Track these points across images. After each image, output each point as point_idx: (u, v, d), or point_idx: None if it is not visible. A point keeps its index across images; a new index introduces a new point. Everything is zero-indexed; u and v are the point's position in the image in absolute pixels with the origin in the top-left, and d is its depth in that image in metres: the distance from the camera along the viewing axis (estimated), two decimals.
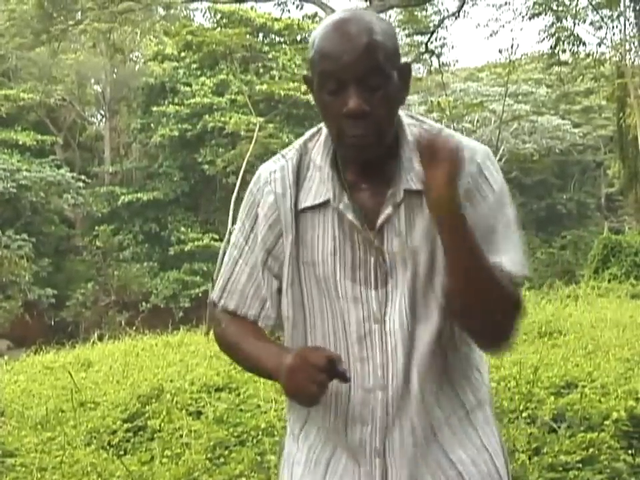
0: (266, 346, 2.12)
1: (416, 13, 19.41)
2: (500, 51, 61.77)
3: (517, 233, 2.06)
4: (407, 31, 20.82)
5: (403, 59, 2.02)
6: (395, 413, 2.05)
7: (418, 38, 20.24)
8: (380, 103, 1.97)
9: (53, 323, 32.16)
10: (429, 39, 19.56)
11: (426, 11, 19.81)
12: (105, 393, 8.53)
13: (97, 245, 34.56)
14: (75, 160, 38.29)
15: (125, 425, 6.81)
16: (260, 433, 6.12)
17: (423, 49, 20.07)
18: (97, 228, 34.96)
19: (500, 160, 19.47)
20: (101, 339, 16.70)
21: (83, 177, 35.31)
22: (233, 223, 17.96)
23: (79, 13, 20.21)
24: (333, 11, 15.73)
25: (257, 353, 2.11)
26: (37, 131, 36.45)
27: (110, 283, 33.08)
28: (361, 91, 1.96)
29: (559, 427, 5.59)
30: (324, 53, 1.99)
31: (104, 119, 41.03)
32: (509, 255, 2.01)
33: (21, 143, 35.06)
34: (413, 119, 2.11)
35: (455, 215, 1.90)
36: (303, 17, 36.50)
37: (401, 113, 2.09)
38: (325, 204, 2.07)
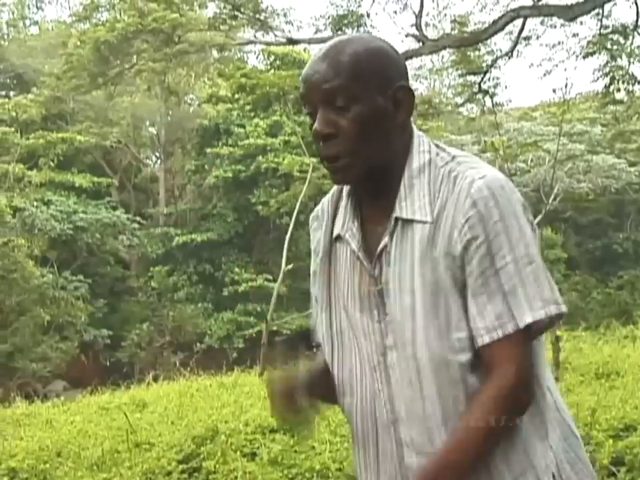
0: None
1: (469, 53, 19.40)
2: (554, 91, 61.16)
3: (530, 268, 1.88)
4: (459, 71, 20.83)
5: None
6: (409, 448, 2.01)
7: (471, 78, 20.22)
8: (350, 124, 1.96)
9: (108, 363, 32.32)
10: (482, 78, 19.54)
11: (479, 51, 19.79)
12: (160, 434, 8.55)
13: (151, 285, 34.77)
14: (130, 201, 38.66)
15: (180, 466, 6.82)
16: (314, 474, 6.09)
17: (476, 88, 20.03)
18: (151, 269, 35.18)
19: (555, 199, 19.33)
20: (155, 379, 16.78)
21: (138, 219, 35.60)
22: (287, 263, 18.01)
23: (135, 57, 20.52)
24: None
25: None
26: (93, 173, 36.87)
27: (165, 323, 33.22)
28: (327, 112, 1.97)
29: (618, 471, 5.49)
30: (301, 78, 2.03)
31: (159, 161, 41.43)
32: (528, 302, 1.86)
33: (77, 184, 35.44)
34: (436, 147, 2.04)
35: None
36: None
37: (421, 141, 2.04)
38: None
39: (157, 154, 41.61)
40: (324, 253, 2.13)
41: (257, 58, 41.76)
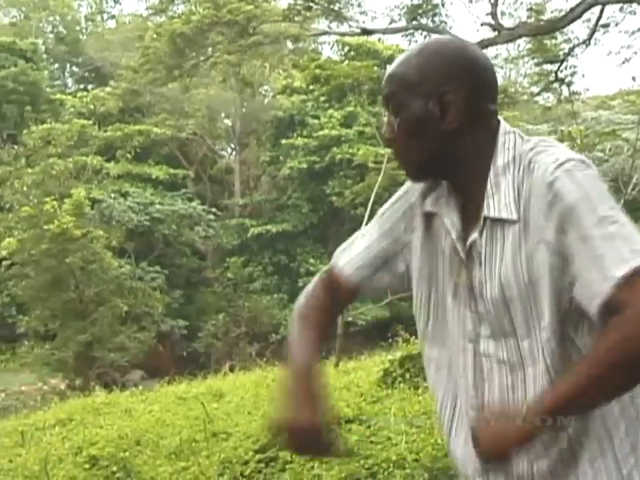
0: (307, 339, 2.29)
1: (545, 42, 19.11)
2: (633, 79, 60.37)
3: (615, 225, 1.86)
4: (536, 60, 20.56)
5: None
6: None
7: (547, 67, 19.93)
8: (398, 130, 2.08)
9: (185, 353, 32.65)
10: (559, 67, 19.25)
11: (555, 39, 19.49)
12: (237, 424, 8.61)
13: (227, 276, 35.02)
14: (206, 193, 38.97)
15: (257, 456, 6.84)
16: (391, 465, 6.07)
17: (552, 77, 19.76)
18: (227, 260, 35.45)
19: (634, 189, 18.98)
20: (232, 369, 16.93)
21: (213, 210, 35.91)
22: None
23: (210, 49, 20.62)
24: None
25: (298, 339, 2.31)
26: (169, 165, 37.27)
27: (240, 314, 33.43)
28: (389, 116, 2.11)
29: None
30: None
31: (234, 152, 41.70)
32: (611, 259, 1.82)
33: (154, 176, 35.89)
34: (521, 140, 2.06)
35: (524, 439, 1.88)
36: None
37: (507, 138, 2.06)
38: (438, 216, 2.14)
39: (232, 145, 41.88)
40: (418, 220, 2.21)
41: (331, 49, 41.86)
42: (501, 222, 1.98)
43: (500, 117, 2.10)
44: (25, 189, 27.51)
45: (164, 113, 37.39)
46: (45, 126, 31.61)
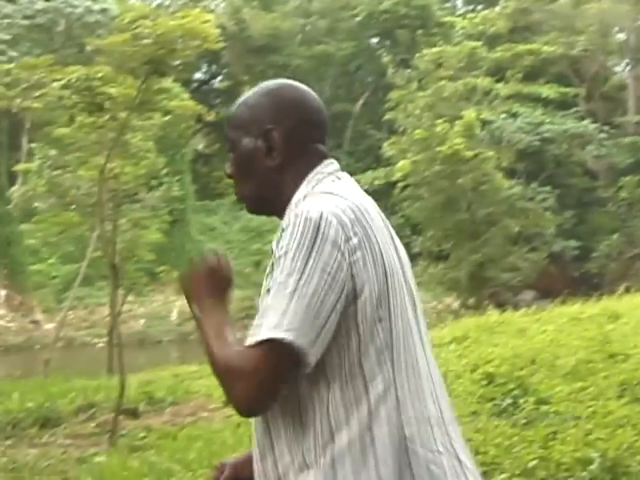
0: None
1: None
2: None
3: (277, 298, 1.97)
4: None
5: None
6: None
7: None
8: (234, 167, 2.27)
9: (577, 274, 32.29)
10: None
11: None
12: (635, 345, 8.42)
13: (621, 196, 33.98)
14: (598, 111, 37.83)
15: None
16: None
17: None
18: (621, 179, 34.35)
19: None
20: (627, 290, 16.49)
21: (605, 128, 34.88)
22: None
23: None
24: None
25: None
26: (559, 84, 36.57)
27: (635, 234, 32.42)
28: (230, 153, 2.29)
29: None
30: None
31: (627, 68, 40.10)
32: (266, 319, 1.97)
33: (544, 96, 35.44)
34: (321, 185, 2.15)
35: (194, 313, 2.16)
36: None
37: (314, 178, 2.17)
38: None
39: (626, 61, 40.25)
40: None
41: None
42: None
43: (330, 159, 2.22)
44: (417, 111, 28.19)
45: (554, 31, 36.62)
46: (435, 49, 32.08)
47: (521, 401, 6.78)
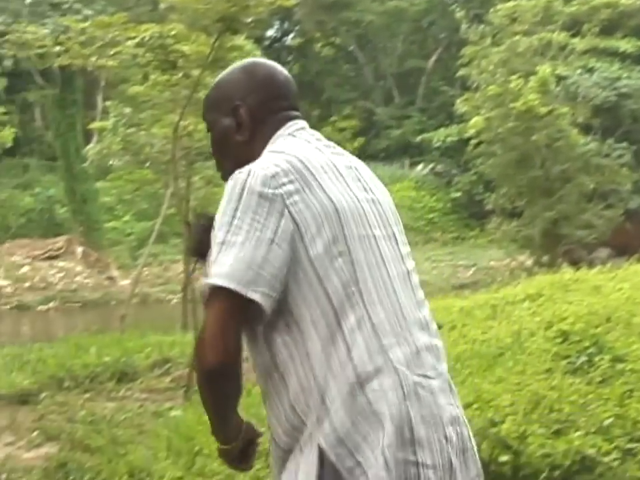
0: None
1: None
2: None
3: (213, 252, 2.12)
4: None
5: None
6: None
7: None
8: (212, 145, 2.45)
9: None
10: None
11: None
12: None
13: None
14: None
15: None
16: None
17: None
18: None
19: None
20: None
21: None
22: None
23: None
24: None
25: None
26: (637, 37, 35.81)
27: None
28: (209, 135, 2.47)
29: None
30: None
31: None
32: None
33: (621, 50, 34.73)
34: (266, 153, 2.28)
35: None
36: None
37: (274, 147, 2.29)
38: None
39: None
40: None
41: None
42: None
43: (295, 121, 2.35)
44: (491, 67, 27.86)
45: None
46: (510, 3, 31.55)
47: (596, 358, 6.72)
